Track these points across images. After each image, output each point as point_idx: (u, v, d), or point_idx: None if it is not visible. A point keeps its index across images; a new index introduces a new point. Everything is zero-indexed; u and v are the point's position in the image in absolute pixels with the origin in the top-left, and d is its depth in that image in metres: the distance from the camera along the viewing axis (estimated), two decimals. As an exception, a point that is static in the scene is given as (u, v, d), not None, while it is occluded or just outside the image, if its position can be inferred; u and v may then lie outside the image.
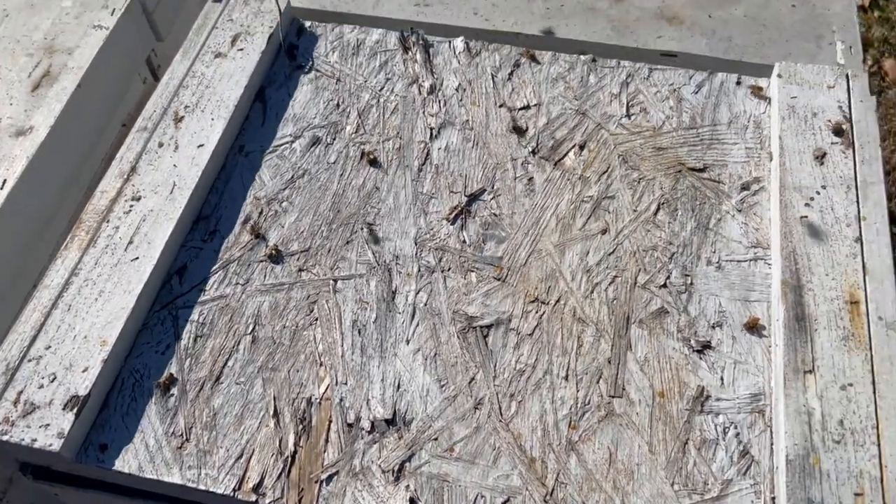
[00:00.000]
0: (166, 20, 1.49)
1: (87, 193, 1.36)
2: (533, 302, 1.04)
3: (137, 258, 1.05)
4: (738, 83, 1.24)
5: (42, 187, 1.22)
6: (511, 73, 1.27)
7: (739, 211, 1.11)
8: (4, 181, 1.16)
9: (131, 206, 1.10)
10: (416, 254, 1.09)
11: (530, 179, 1.16)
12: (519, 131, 1.18)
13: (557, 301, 1.04)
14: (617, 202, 1.13)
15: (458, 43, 1.31)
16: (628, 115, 1.22)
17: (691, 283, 1.05)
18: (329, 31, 1.34)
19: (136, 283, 1.02)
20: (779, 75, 1.20)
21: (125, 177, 1.13)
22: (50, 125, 1.23)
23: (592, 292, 1.05)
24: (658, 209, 1.12)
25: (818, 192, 1.07)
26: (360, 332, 1.02)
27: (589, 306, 1.04)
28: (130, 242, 1.06)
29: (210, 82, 1.23)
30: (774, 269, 1.04)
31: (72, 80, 1.28)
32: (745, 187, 1.13)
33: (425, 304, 1.04)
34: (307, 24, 1.35)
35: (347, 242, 1.11)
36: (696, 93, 1.24)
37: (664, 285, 1.05)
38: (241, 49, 1.27)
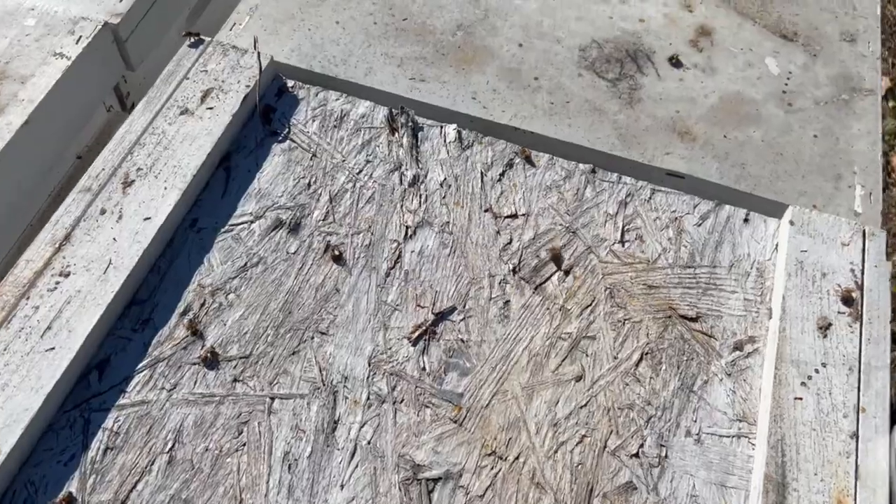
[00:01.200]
0: (140, 49, 1.36)
1: (25, 237, 1.24)
2: (490, 455, 0.93)
3: (53, 349, 0.93)
4: (746, 220, 1.14)
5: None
6: (502, 174, 1.16)
7: (728, 375, 1.00)
8: (-78, 228, 1.04)
9: (57, 283, 0.97)
10: (368, 377, 0.98)
11: (506, 303, 1.05)
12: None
13: (517, 458, 0.93)
14: (597, 344, 1.02)
15: (450, 131, 1.19)
16: (622, 242, 1.11)
17: (666, 457, 0.94)
18: (312, 96, 1.22)
19: (48, 379, 0.90)
20: (791, 222, 1.10)
21: (57, 246, 1.00)
22: (-14, 165, 1.10)
23: (556, 452, 0.94)
24: (641, 359, 1.01)
25: (817, 371, 0.97)
26: (290, 468, 0.91)
27: (550, 469, 0.93)
28: (48, 328, 0.94)
29: (170, 143, 1.11)
30: (758, 454, 0.93)
31: (19, 115, 1.16)
32: (738, 346, 1.03)
33: (369, 443, 0.93)
34: (289, 83, 1.23)
35: (293, 353, 0.99)
36: (699, 225, 1.13)
37: (636, 454, 0.94)
38: (211, 108, 1.15)
